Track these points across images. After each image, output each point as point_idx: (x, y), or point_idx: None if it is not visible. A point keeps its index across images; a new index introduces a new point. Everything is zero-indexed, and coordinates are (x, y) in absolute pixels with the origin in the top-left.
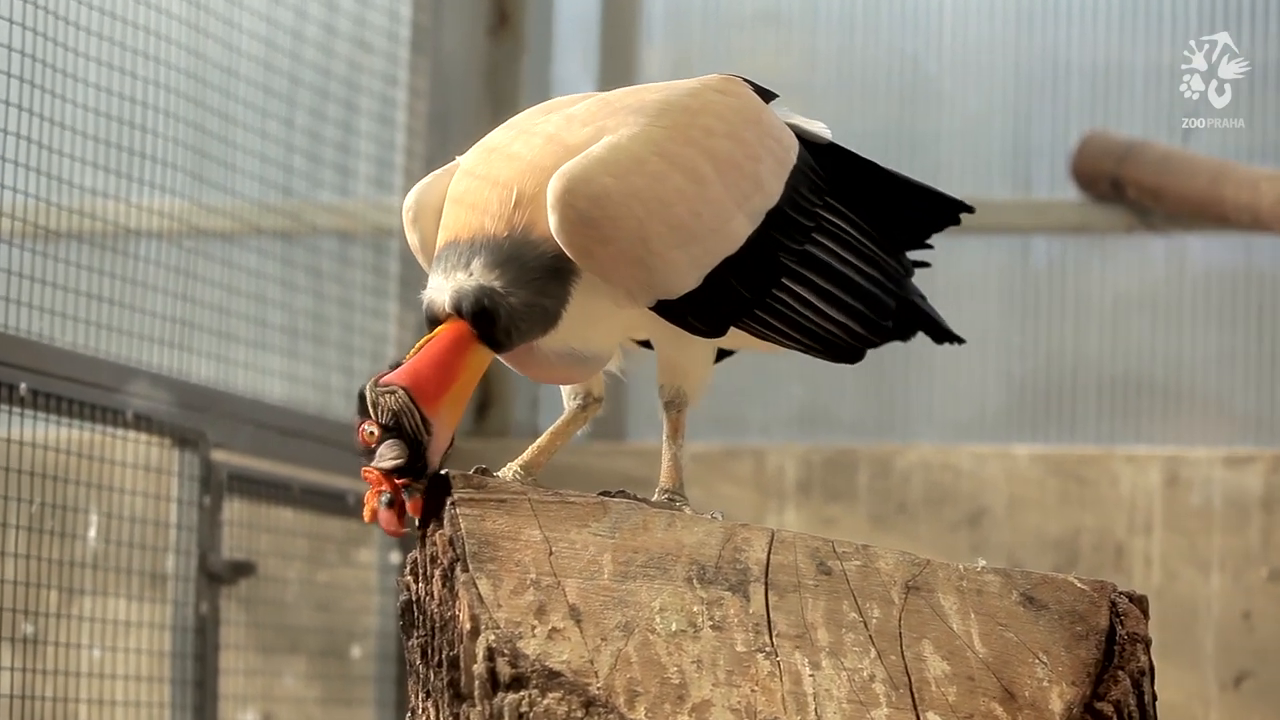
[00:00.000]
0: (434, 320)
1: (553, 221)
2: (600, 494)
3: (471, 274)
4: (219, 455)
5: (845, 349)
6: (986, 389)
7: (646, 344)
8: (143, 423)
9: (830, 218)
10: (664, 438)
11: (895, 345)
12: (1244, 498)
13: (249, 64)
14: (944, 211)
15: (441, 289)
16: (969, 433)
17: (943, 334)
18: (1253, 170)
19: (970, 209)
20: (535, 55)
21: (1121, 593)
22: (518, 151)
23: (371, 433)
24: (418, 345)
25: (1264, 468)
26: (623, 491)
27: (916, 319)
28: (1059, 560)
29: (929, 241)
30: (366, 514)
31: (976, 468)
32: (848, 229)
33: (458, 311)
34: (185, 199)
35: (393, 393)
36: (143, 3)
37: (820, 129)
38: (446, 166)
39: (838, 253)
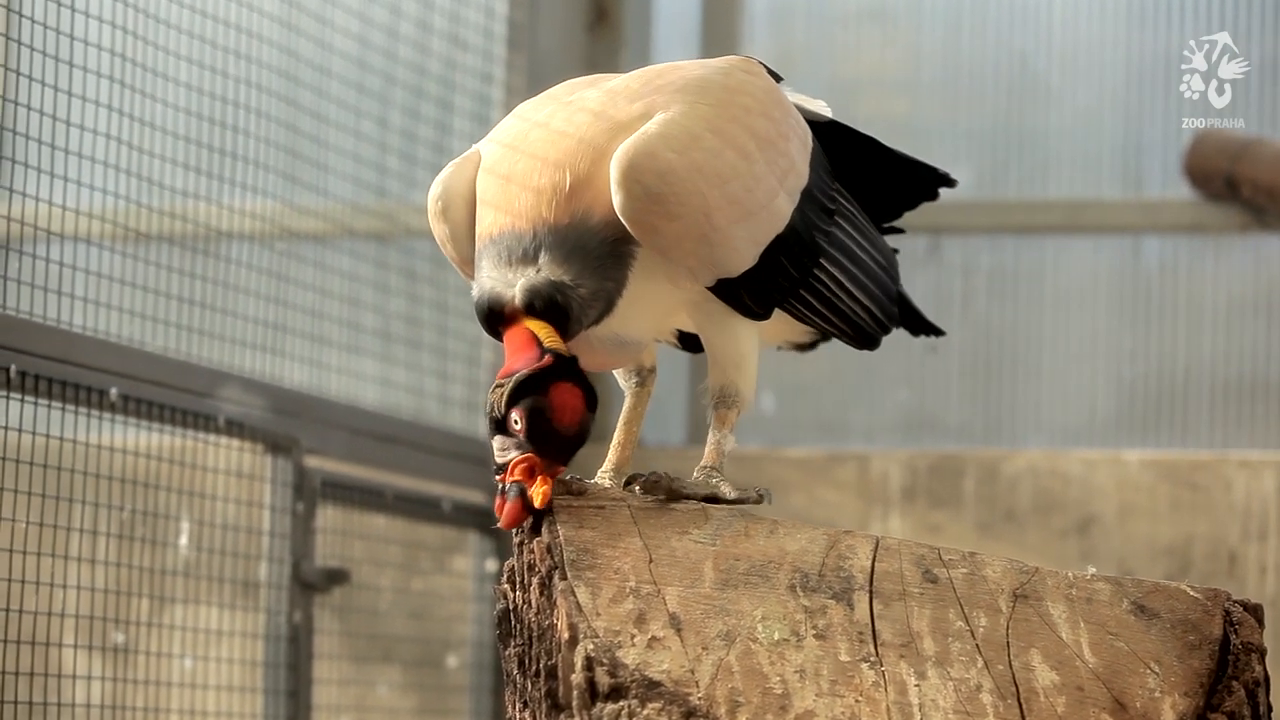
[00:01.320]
0: (497, 314)
1: (618, 200)
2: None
3: (540, 268)
4: (312, 461)
5: (869, 335)
6: (1096, 392)
7: (684, 344)
8: (235, 428)
9: (842, 200)
10: (710, 427)
11: (1005, 347)
12: None
13: (342, 62)
14: (926, 186)
15: (508, 283)
16: (1078, 437)
17: (922, 325)
18: None
19: (953, 183)
20: (634, 52)
21: (1236, 601)
22: (562, 128)
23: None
24: (536, 341)
25: None
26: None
27: (904, 308)
28: (1171, 568)
29: (898, 224)
30: (541, 499)
31: (1086, 473)
32: (856, 211)
33: (529, 307)
34: (277, 200)
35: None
36: (235, 1)
37: (821, 107)
38: (466, 154)
39: (854, 235)
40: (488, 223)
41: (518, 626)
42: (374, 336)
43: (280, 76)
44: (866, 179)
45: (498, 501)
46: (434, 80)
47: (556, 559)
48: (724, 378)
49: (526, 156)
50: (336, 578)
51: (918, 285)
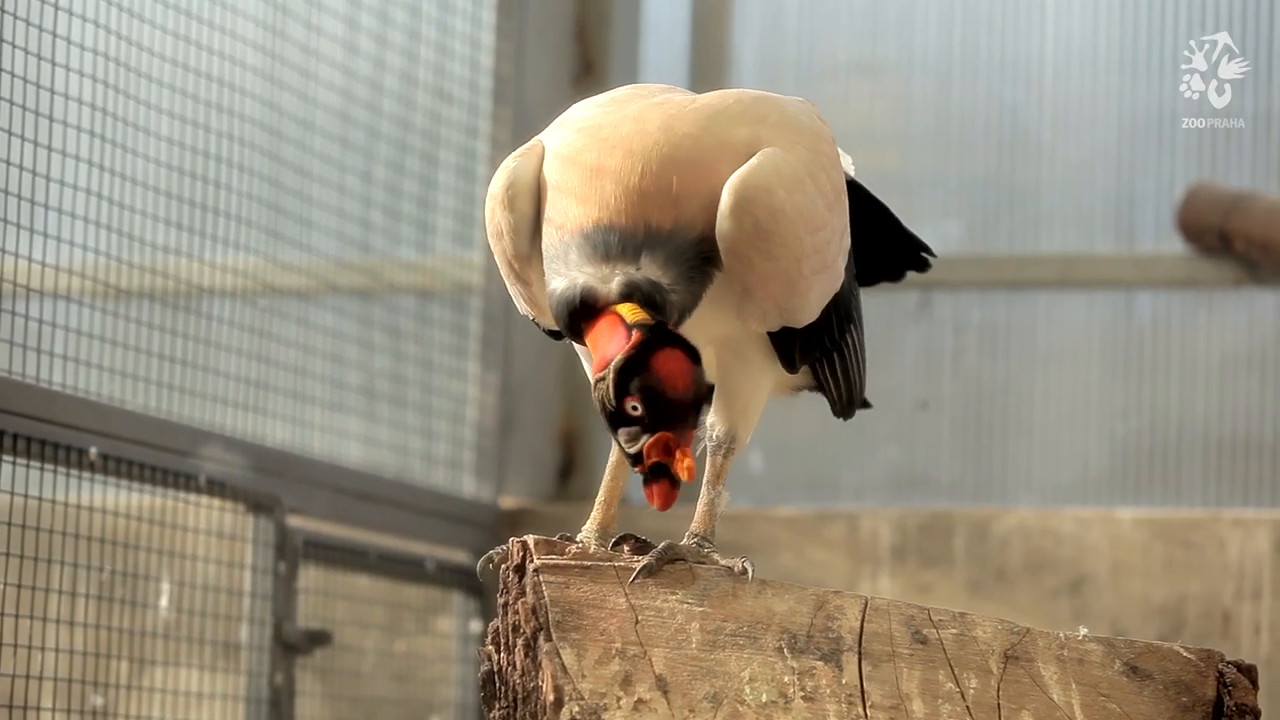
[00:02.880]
0: (589, 307)
1: (726, 225)
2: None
3: (640, 267)
4: (294, 521)
5: (854, 405)
6: (1088, 450)
7: None
8: (216, 488)
9: (852, 263)
10: (704, 481)
11: (996, 404)
12: None
13: (326, 117)
14: (903, 263)
15: (604, 279)
16: (1070, 495)
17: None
18: None
19: (925, 267)
20: None
21: (1229, 662)
22: (662, 130)
23: None
24: (622, 322)
25: None
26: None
27: None
28: (1164, 628)
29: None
30: (688, 474)
31: (1078, 532)
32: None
33: (624, 300)
34: (260, 256)
35: None
36: (217, 54)
37: (848, 164)
38: (530, 146)
39: (859, 301)
40: (574, 214)
41: (502, 689)
42: (358, 394)
43: (263, 131)
44: (861, 245)
45: (646, 491)
46: (419, 134)
47: (541, 620)
48: (730, 421)
49: (623, 152)
50: (319, 639)
51: (908, 341)
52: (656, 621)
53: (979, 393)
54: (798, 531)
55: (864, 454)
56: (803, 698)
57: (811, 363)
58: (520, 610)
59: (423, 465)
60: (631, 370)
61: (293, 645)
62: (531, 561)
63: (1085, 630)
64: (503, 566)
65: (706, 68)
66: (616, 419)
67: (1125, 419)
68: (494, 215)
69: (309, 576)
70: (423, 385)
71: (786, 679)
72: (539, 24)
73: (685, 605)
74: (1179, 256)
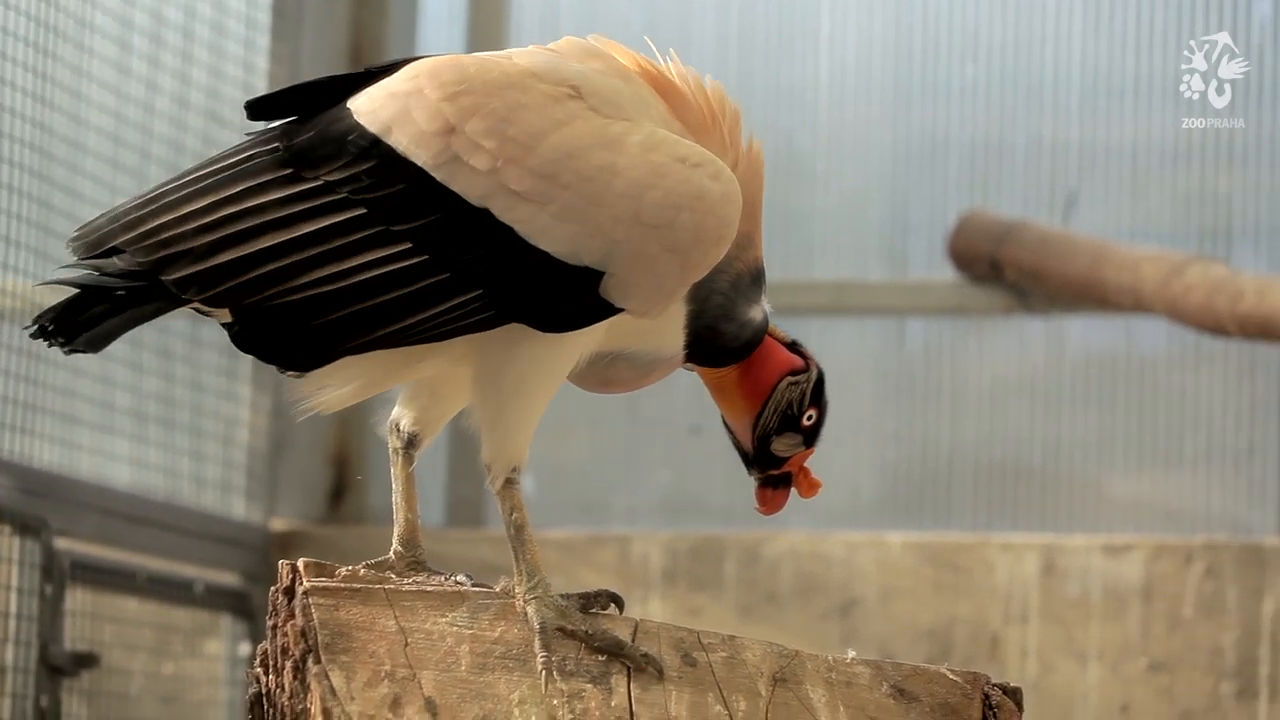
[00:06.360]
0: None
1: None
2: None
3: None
4: (62, 543)
5: None
6: (859, 474)
7: None
8: None
9: None
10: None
11: None
12: (1122, 587)
13: (97, 138)
14: None
15: (761, 312)
16: (841, 520)
17: None
18: (1133, 251)
19: None
20: None
21: (995, 685)
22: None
23: None
24: (780, 343)
25: (1143, 556)
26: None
27: None
28: (932, 651)
29: None
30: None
31: (848, 556)
32: None
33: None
34: (28, 277)
35: None
36: None
37: None
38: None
39: None
40: (752, 246)
41: (271, 711)
42: (127, 416)
43: (32, 151)
44: None
45: (761, 494)
46: (190, 157)
47: (310, 642)
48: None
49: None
50: (86, 662)
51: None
52: (426, 644)
53: None
54: (569, 554)
55: (636, 478)
56: None
57: None
58: (289, 632)
59: (193, 488)
60: (823, 384)
61: (59, 668)
62: (301, 584)
63: (853, 653)
64: (271, 589)
65: None
66: (791, 423)
67: (896, 444)
68: (730, 222)
69: (76, 599)
70: (193, 408)
71: (556, 701)
72: (313, 49)
73: (455, 628)
74: (950, 284)
